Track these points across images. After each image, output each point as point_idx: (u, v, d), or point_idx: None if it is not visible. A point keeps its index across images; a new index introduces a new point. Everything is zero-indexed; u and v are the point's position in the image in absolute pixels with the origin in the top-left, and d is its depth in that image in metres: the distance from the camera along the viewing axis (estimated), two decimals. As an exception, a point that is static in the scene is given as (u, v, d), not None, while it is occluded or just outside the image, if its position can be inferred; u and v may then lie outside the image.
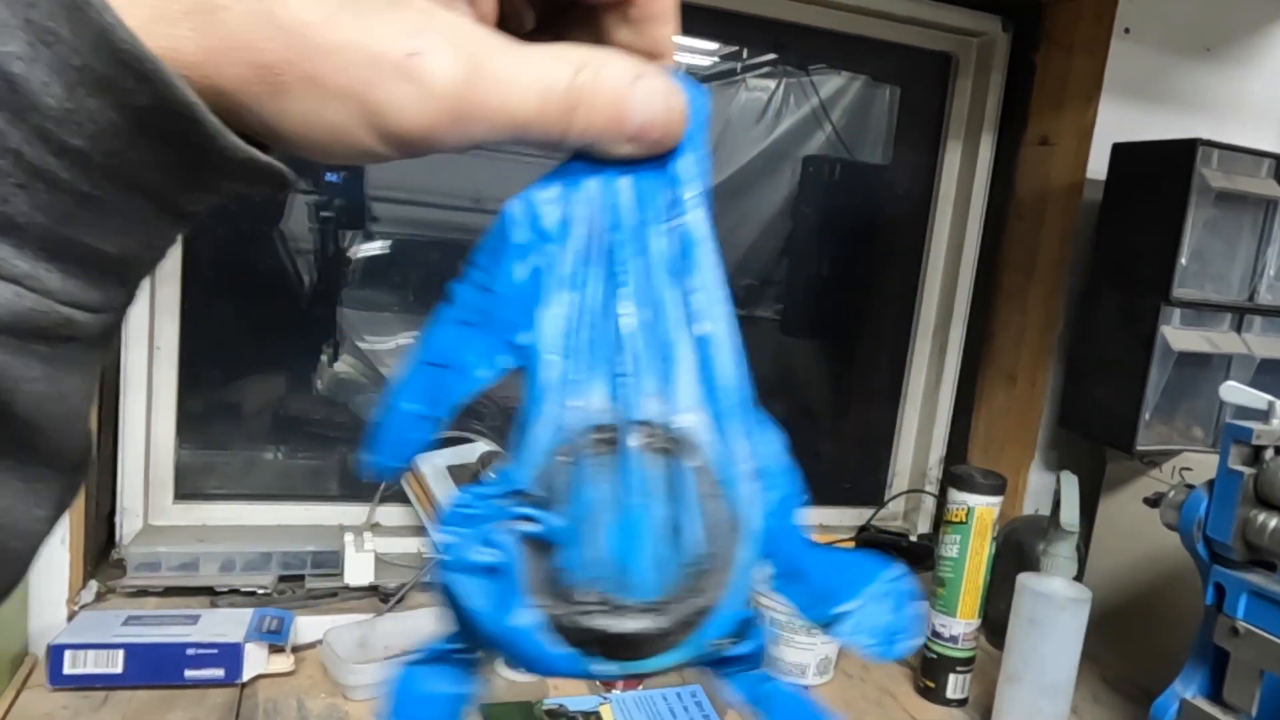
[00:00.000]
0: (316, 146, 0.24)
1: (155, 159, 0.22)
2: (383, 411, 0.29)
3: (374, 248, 1.29)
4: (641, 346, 0.28)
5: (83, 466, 0.26)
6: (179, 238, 0.24)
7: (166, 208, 0.23)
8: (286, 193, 0.24)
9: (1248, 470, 0.77)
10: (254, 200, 0.25)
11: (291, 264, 1.23)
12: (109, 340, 0.25)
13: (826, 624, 0.28)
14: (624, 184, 0.30)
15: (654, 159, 0.29)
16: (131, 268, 0.23)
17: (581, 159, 0.30)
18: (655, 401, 0.28)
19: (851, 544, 1.28)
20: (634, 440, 0.27)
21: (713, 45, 1.44)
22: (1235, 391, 0.82)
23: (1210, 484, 0.81)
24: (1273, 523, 0.75)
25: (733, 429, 0.28)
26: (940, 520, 1.04)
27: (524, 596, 0.26)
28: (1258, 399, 0.80)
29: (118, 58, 0.20)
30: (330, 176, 1.21)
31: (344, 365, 1.28)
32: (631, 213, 0.30)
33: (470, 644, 0.29)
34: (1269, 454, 0.77)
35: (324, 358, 1.27)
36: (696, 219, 0.29)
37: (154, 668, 0.86)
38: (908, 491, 1.45)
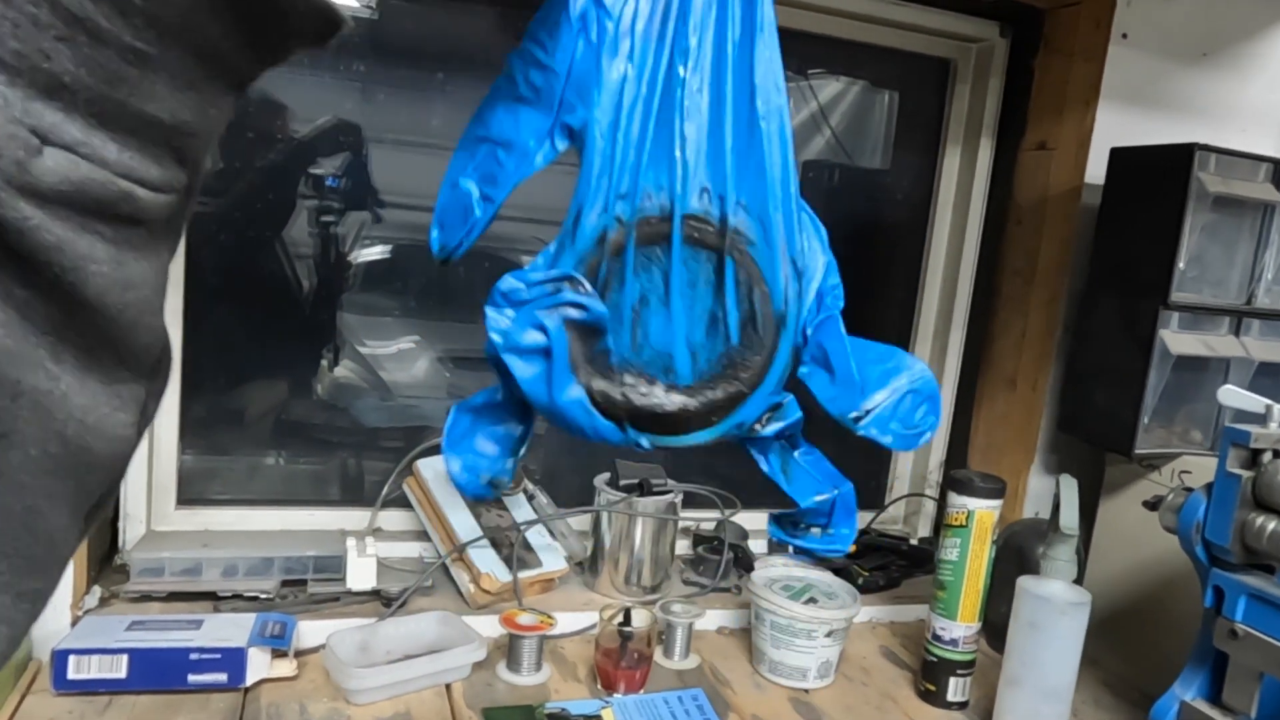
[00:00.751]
0: None
1: (197, 1, 0.21)
2: (444, 189, 0.30)
3: (374, 253, 1.29)
4: (698, 134, 0.27)
5: (161, 371, 0.26)
6: (231, 111, 0.24)
7: (215, 68, 0.22)
8: (335, 37, 0.23)
9: (1246, 473, 0.77)
10: (304, 49, 0.23)
11: (292, 269, 1.23)
12: (174, 230, 0.24)
13: (850, 420, 0.29)
14: None
15: None
16: (186, 140, 0.23)
17: None
18: (706, 193, 0.27)
19: (853, 548, 1.28)
20: (683, 232, 0.28)
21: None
22: (1233, 395, 0.83)
23: (1209, 487, 0.81)
24: (1271, 525, 0.76)
25: (778, 224, 0.28)
26: (940, 524, 1.04)
27: (569, 375, 0.28)
28: (1255, 402, 0.80)
29: None
30: (331, 182, 1.22)
31: (344, 370, 1.29)
32: None
33: (521, 405, 0.31)
34: (1267, 457, 0.77)
35: (324, 363, 1.27)
36: None
37: (157, 672, 0.87)
38: (908, 495, 1.45)
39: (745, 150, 0.27)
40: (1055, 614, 0.90)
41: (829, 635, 1.01)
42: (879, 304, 1.48)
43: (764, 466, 0.31)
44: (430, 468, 1.15)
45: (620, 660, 0.95)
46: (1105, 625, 1.08)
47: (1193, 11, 1.22)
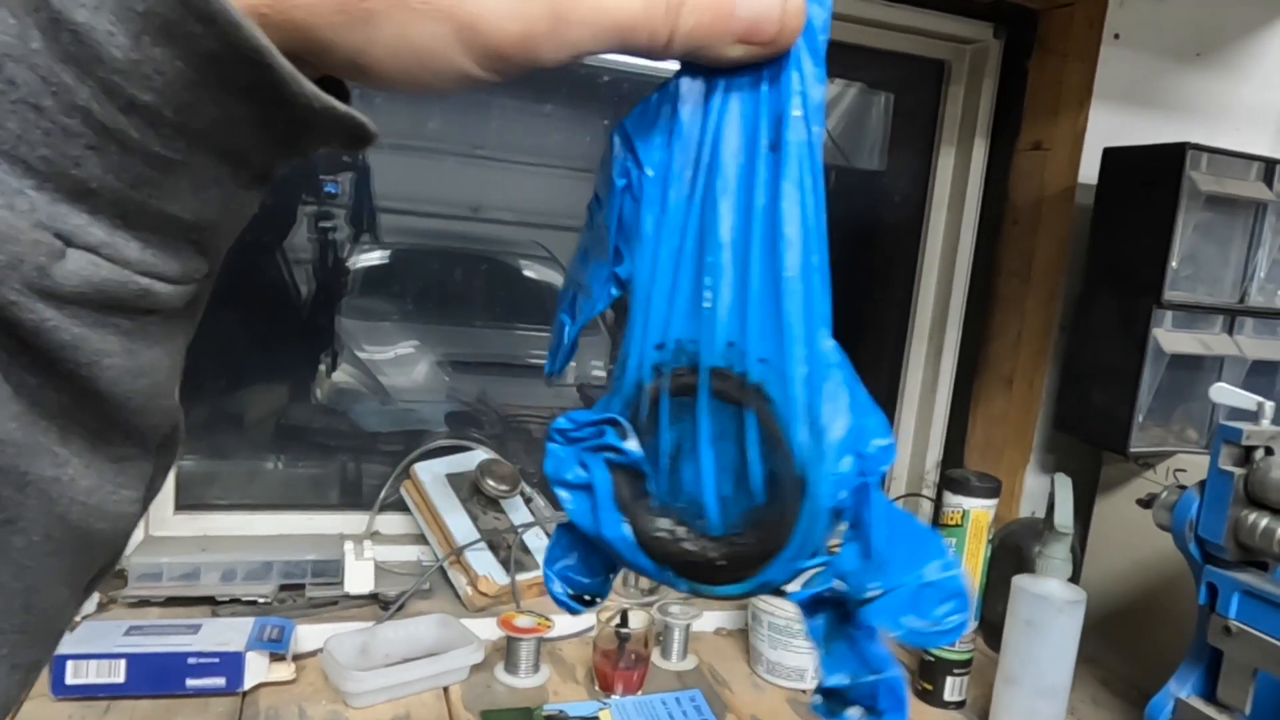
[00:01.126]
0: (406, 76, 0.23)
1: (226, 112, 0.21)
2: (554, 323, 0.33)
3: (373, 258, 1.30)
4: (725, 289, 0.28)
5: (170, 447, 0.26)
6: (256, 203, 0.23)
7: (241, 168, 0.22)
8: (365, 148, 0.23)
9: (1238, 470, 0.78)
10: (336, 153, 0.24)
11: (290, 275, 1.24)
12: (192, 314, 0.24)
13: (855, 601, 0.28)
14: (732, 99, 0.28)
15: (766, 65, 0.27)
16: (209, 235, 0.22)
17: (688, 72, 0.28)
18: (731, 347, 0.28)
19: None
20: (709, 385, 0.28)
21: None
22: (1224, 393, 0.83)
23: (1201, 485, 0.81)
24: (1264, 522, 0.76)
25: (799, 382, 0.28)
26: (937, 523, 1.04)
27: (615, 511, 0.29)
28: (1246, 399, 0.80)
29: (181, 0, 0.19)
30: (330, 188, 1.22)
31: (343, 375, 1.29)
32: (736, 133, 0.28)
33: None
34: (1259, 454, 0.78)
35: (323, 367, 1.28)
36: (802, 139, 0.27)
37: (156, 677, 0.87)
38: (905, 495, 1.45)
39: (769, 306, 0.27)
40: (1051, 612, 0.91)
41: (826, 635, 1.01)
42: (876, 304, 1.48)
43: (807, 627, 0.30)
44: (427, 471, 1.15)
45: (618, 661, 0.95)
46: (1103, 623, 1.08)
47: (1185, 11, 1.22)
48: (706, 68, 0.28)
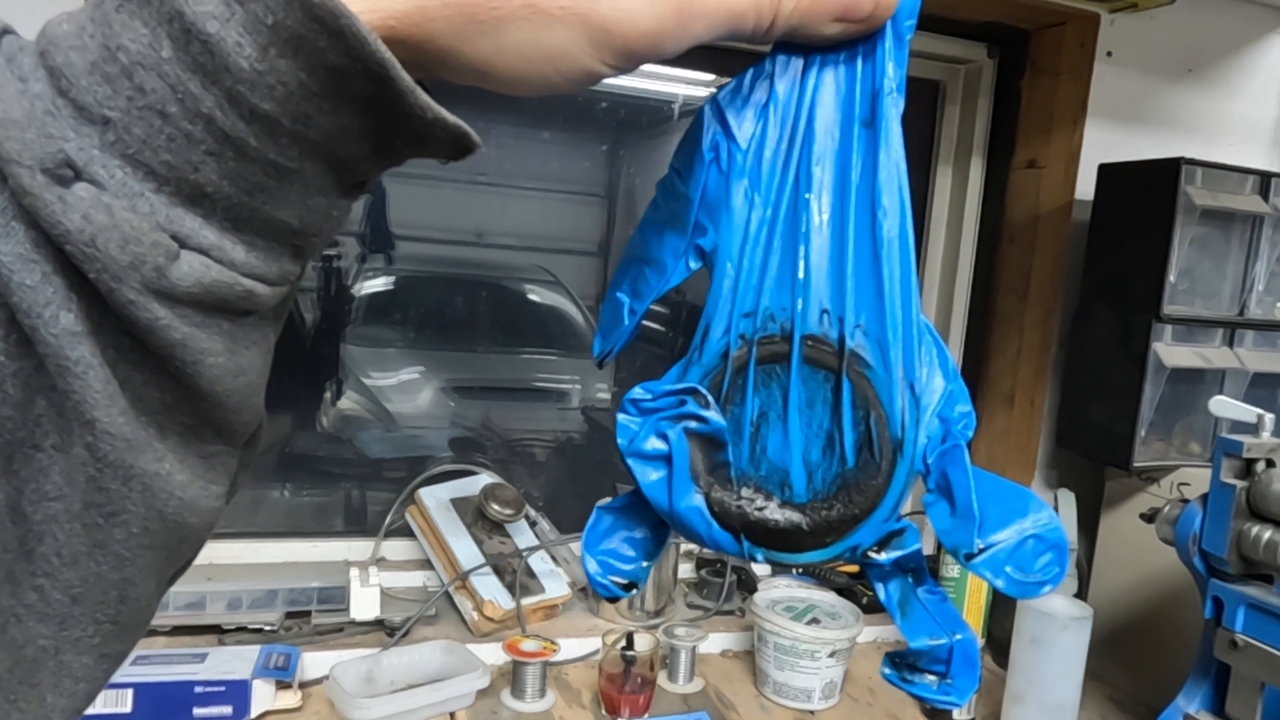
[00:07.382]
0: (536, 78, 0.24)
1: (342, 124, 0.21)
2: (605, 302, 0.33)
3: (378, 284, 1.31)
4: (819, 258, 0.29)
5: (254, 443, 0.26)
6: (350, 209, 0.24)
7: (345, 176, 0.23)
8: (467, 157, 0.24)
9: (1240, 483, 0.78)
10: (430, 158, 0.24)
11: (295, 304, 1.25)
12: (279, 316, 0.25)
13: (962, 557, 0.29)
14: (826, 75, 0.29)
15: (860, 42, 0.28)
16: (309, 239, 0.23)
17: (784, 50, 0.29)
18: (826, 315, 0.29)
19: (855, 568, 1.28)
20: (801, 353, 0.29)
21: (708, 76, 1.46)
22: (1224, 405, 0.83)
23: (1204, 498, 0.81)
24: (1267, 535, 0.76)
25: (897, 349, 0.28)
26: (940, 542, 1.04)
27: (690, 483, 0.29)
28: (1246, 412, 0.80)
29: (311, 13, 0.19)
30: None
31: (349, 402, 1.30)
32: (830, 109, 0.29)
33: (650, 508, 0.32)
34: (1260, 467, 0.78)
35: (328, 395, 1.29)
36: (893, 113, 0.28)
37: (162, 706, 0.87)
38: (911, 513, 1.45)
39: (866, 275, 0.28)
40: (1056, 629, 0.90)
41: (832, 655, 1.01)
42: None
43: (881, 596, 0.31)
44: (432, 496, 1.15)
45: (624, 685, 0.95)
46: (1111, 640, 1.08)
47: (1176, 28, 1.23)
48: (802, 46, 0.29)
